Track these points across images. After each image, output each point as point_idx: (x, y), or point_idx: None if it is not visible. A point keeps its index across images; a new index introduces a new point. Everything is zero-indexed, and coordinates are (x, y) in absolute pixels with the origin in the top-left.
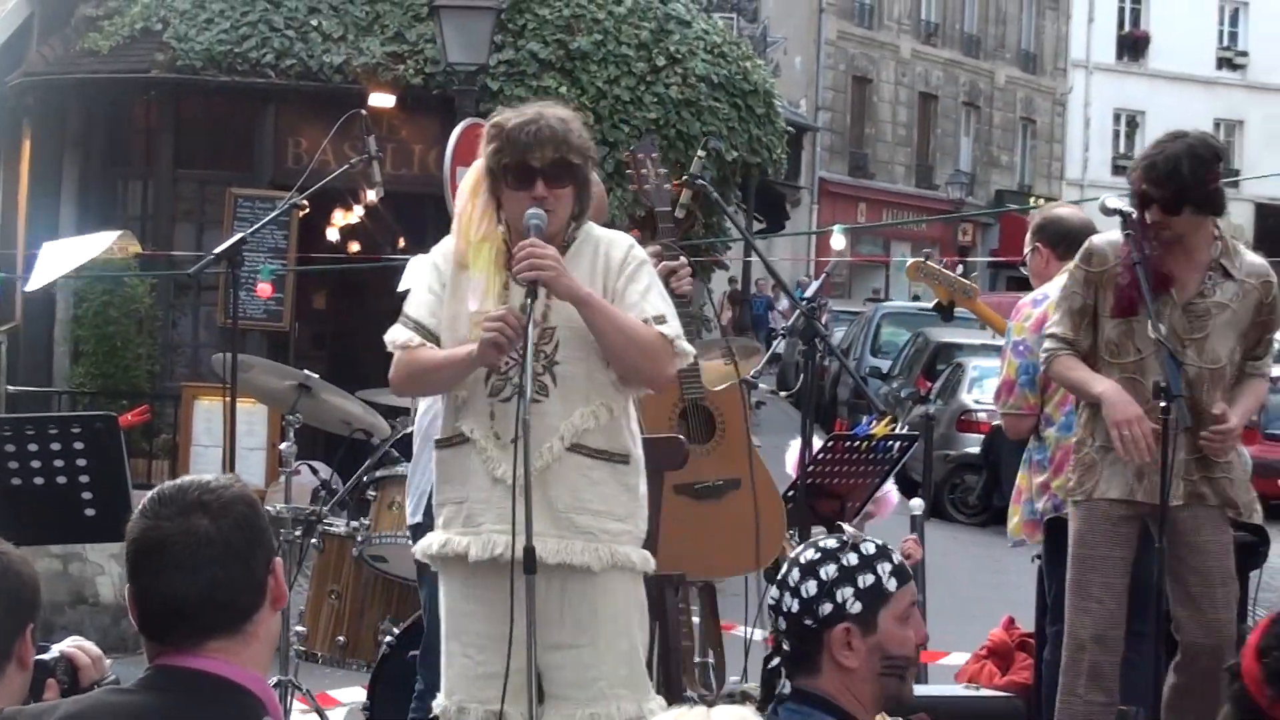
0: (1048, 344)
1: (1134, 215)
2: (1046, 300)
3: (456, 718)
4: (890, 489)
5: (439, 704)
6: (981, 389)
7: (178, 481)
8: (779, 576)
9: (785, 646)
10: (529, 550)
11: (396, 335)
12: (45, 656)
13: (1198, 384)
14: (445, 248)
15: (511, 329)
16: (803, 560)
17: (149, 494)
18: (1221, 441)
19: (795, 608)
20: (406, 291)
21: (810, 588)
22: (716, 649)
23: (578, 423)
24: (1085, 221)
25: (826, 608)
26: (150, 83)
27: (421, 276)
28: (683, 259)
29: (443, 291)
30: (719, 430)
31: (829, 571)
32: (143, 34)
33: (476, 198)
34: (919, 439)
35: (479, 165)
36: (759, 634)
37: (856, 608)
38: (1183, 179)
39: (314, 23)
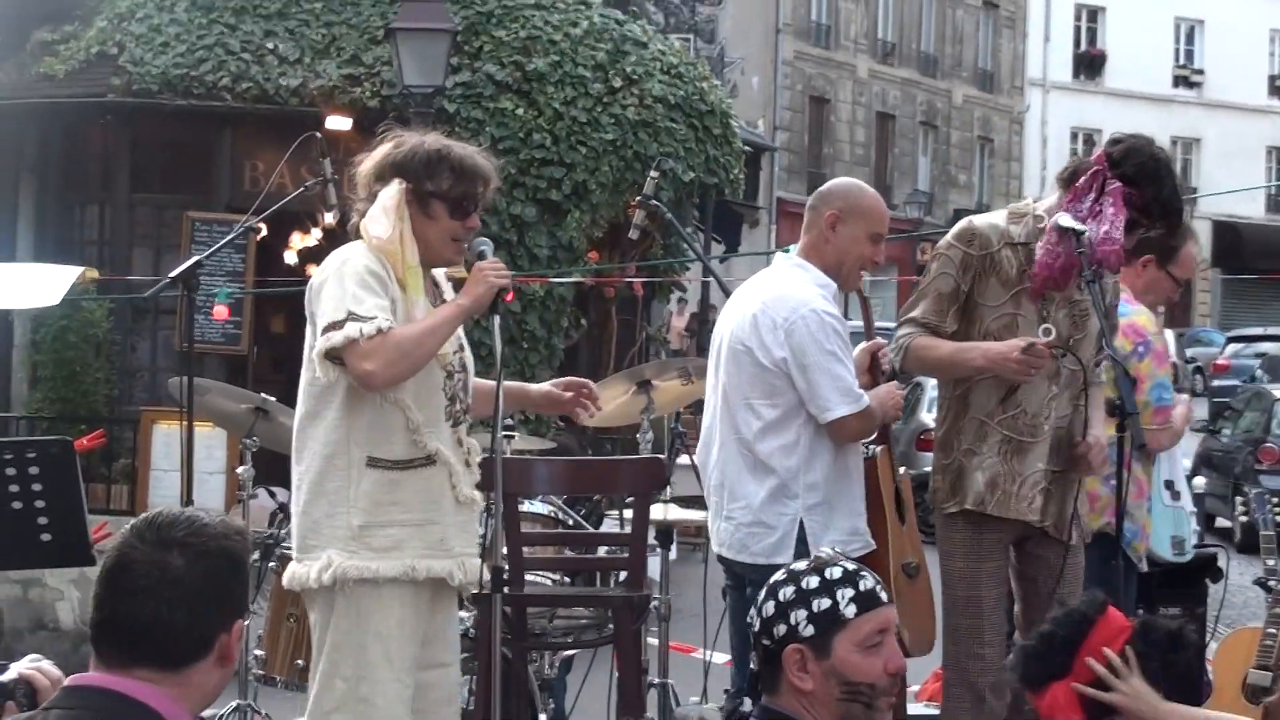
0: (901, 331)
1: (1087, 235)
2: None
3: None
4: None
5: None
6: (930, 412)
7: (178, 512)
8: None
9: (753, 665)
10: (497, 570)
11: (369, 327)
12: (4, 678)
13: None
14: (374, 262)
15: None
16: (770, 581)
17: (148, 512)
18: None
19: (757, 626)
20: None
21: (769, 608)
22: None
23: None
24: None
25: (781, 629)
26: (106, 107)
27: (362, 284)
28: (879, 340)
29: (392, 306)
30: (907, 513)
31: (787, 593)
32: (99, 58)
33: (403, 221)
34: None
35: (400, 187)
36: (719, 657)
37: (809, 631)
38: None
39: (270, 46)
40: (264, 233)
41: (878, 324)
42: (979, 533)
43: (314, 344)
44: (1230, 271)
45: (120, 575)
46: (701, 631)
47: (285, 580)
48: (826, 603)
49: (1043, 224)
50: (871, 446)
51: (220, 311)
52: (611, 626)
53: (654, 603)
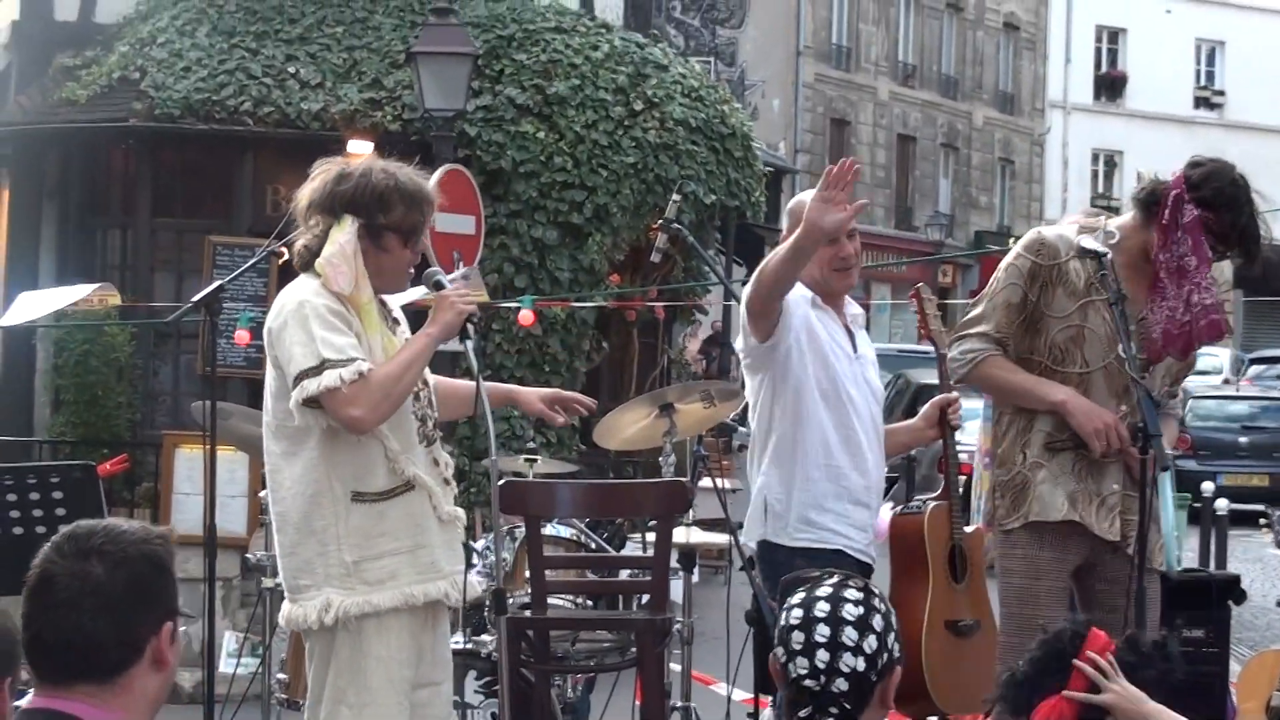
0: (971, 344)
1: (1109, 257)
2: None
3: None
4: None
5: None
6: (962, 430)
7: (94, 522)
8: (820, 638)
9: (843, 706)
10: (499, 593)
11: (348, 372)
12: (23, 703)
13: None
14: (332, 300)
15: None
16: (849, 615)
17: (68, 527)
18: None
19: (861, 665)
20: None
21: (872, 642)
22: None
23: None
24: None
25: (884, 657)
26: (128, 131)
27: (327, 325)
28: (956, 394)
29: (359, 342)
30: (969, 571)
31: (878, 623)
32: (120, 83)
33: (357, 260)
34: (899, 480)
35: (355, 227)
36: (739, 694)
37: (897, 649)
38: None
39: (292, 70)
40: (286, 257)
41: (900, 345)
42: (1039, 550)
43: (277, 386)
44: (1252, 293)
45: (43, 590)
46: (723, 663)
47: (282, 621)
48: (894, 616)
49: (1114, 240)
50: (928, 501)
51: (242, 336)
52: (634, 650)
53: (677, 626)
